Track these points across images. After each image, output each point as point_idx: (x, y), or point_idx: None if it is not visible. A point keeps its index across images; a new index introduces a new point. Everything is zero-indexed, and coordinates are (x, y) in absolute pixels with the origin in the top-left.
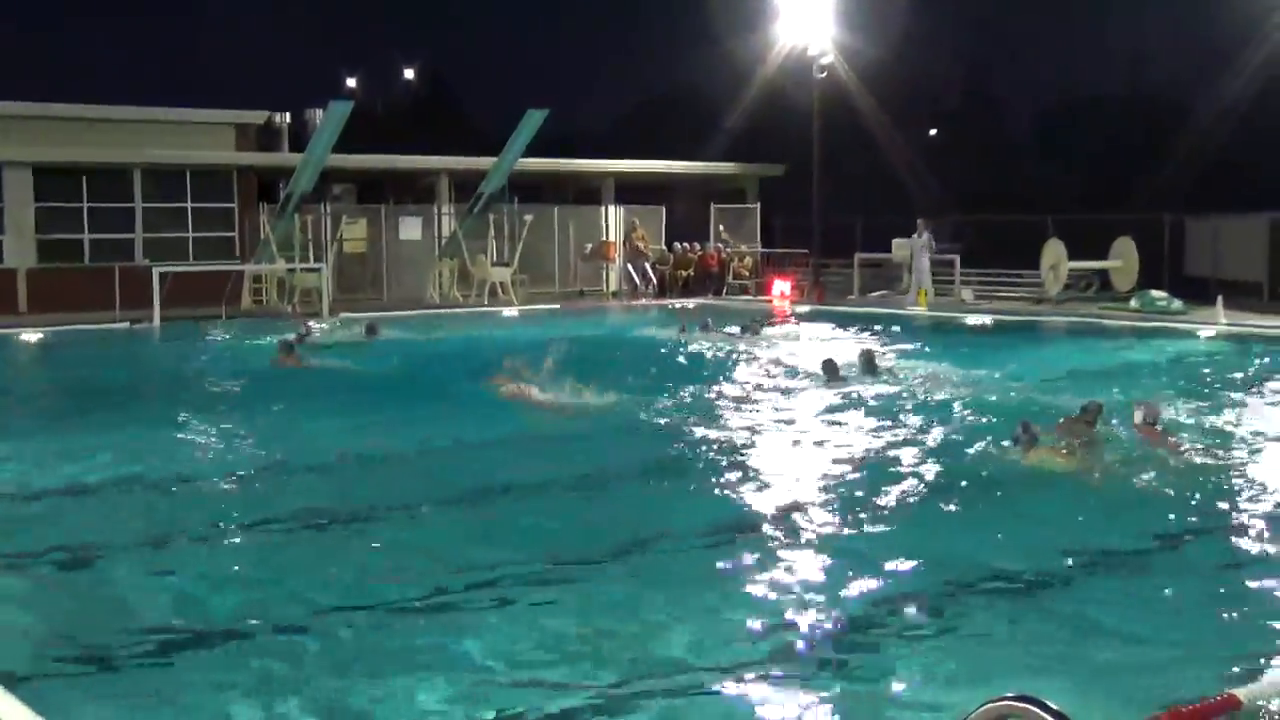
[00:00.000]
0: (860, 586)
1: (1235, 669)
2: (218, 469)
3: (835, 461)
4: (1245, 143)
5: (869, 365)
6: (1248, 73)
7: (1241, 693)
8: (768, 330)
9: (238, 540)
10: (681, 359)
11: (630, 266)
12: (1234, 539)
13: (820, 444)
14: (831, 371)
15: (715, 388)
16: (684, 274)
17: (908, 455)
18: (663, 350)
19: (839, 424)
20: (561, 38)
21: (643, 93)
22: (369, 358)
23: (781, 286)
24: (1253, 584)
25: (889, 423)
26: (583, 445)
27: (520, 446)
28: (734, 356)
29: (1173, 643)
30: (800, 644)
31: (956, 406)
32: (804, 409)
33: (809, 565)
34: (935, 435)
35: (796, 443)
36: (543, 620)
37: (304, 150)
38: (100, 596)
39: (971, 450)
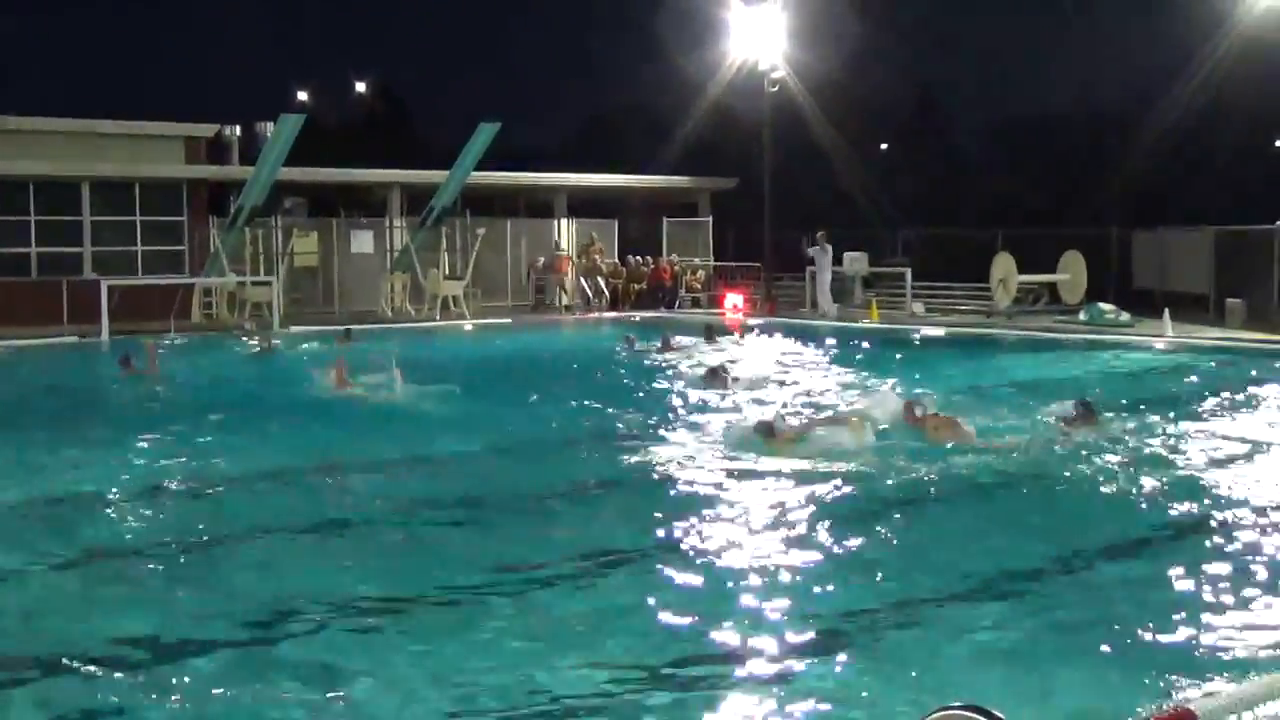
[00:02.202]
0: (789, 602)
1: (1191, 683)
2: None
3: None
4: (1188, 158)
5: (714, 376)
6: (1191, 90)
7: (1197, 707)
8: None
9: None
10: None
11: (584, 280)
12: (1192, 547)
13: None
14: (713, 377)
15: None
16: (636, 288)
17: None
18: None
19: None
20: (514, 51)
21: (595, 107)
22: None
23: (734, 300)
24: (1208, 595)
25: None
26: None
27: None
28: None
29: (1127, 656)
30: (745, 657)
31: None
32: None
33: (730, 580)
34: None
35: (674, 457)
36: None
37: (254, 163)
38: None
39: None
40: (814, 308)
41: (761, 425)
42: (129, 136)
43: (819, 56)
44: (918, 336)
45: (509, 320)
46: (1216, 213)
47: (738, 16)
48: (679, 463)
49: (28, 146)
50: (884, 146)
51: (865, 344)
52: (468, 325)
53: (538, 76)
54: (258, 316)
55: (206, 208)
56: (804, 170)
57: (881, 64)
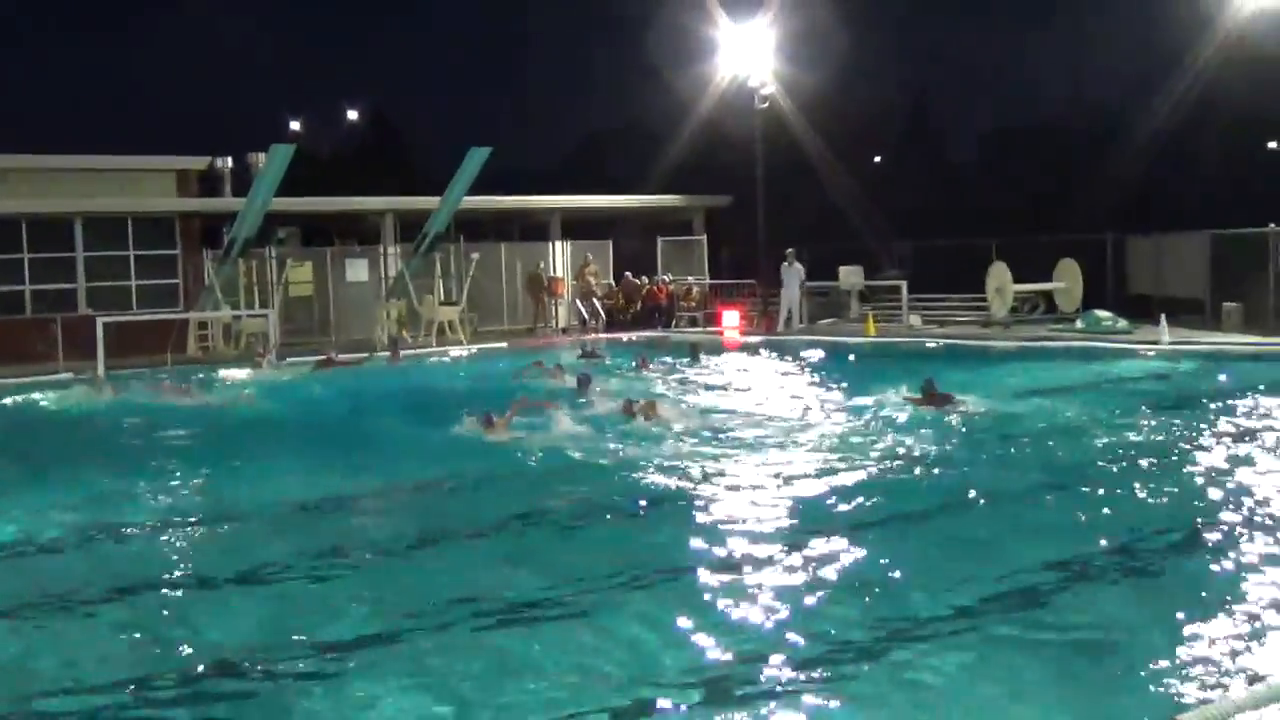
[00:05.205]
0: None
1: (1178, 695)
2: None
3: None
4: (1178, 162)
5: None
6: (1179, 93)
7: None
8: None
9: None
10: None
11: (579, 302)
12: (1175, 555)
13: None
14: (584, 384)
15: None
16: (631, 309)
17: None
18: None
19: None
20: (504, 76)
21: (587, 128)
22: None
23: (730, 317)
24: (1190, 605)
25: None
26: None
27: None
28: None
29: (1114, 667)
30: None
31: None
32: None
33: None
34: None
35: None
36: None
37: (247, 195)
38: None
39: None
40: (786, 325)
41: (481, 418)
42: (121, 171)
43: (808, 71)
44: (911, 349)
45: (505, 344)
46: (1208, 216)
47: (726, 34)
48: None
49: (19, 184)
50: (877, 159)
51: (851, 357)
52: (464, 350)
53: (529, 99)
54: (251, 346)
55: (200, 240)
56: (797, 185)
57: (871, 76)
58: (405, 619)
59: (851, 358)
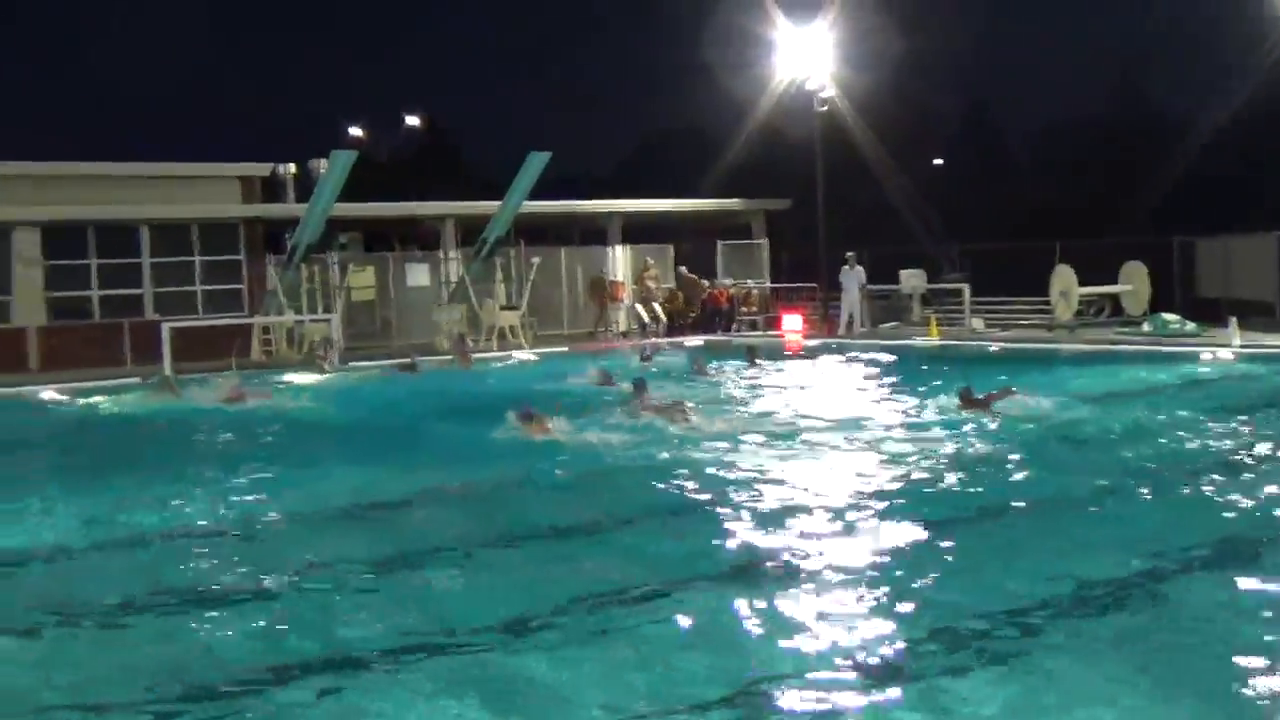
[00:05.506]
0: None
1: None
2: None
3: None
4: (1249, 159)
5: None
6: (1249, 87)
7: None
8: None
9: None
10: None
11: (640, 306)
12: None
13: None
14: (639, 388)
15: None
16: (691, 312)
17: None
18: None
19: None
20: (563, 79)
21: (647, 131)
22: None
23: (791, 321)
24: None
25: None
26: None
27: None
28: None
29: (1172, 684)
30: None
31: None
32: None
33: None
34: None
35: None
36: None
37: (309, 201)
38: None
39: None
40: (848, 329)
41: (520, 413)
42: (185, 178)
43: (865, 72)
44: (974, 353)
45: (566, 348)
46: (1277, 216)
47: (785, 36)
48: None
49: (86, 191)
50: (937, 161)
51: (916, 361)
52: (530, 354)
53: (588, 102)
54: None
55: (263, 246)
56: (855, 188)
57: (928, 77)
58: (436, 628)
59: (917, 361)
